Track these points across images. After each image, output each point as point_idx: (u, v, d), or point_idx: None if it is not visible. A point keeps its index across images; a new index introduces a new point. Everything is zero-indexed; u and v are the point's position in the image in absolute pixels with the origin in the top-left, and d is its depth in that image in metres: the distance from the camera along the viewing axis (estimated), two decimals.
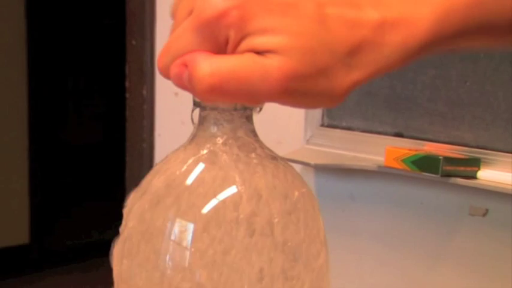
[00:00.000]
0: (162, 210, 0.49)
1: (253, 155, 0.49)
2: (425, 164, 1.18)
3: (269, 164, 0.50)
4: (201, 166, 0.49)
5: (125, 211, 0.51)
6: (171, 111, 1.75)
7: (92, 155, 4.41)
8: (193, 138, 0.50)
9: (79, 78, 4.29)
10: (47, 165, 4.08)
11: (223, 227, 0.47)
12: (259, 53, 0.42)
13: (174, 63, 0.44)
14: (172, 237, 0.47)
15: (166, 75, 0.45)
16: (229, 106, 0.48)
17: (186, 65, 0.43)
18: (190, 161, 0.49)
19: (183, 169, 0.49)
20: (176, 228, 0.47)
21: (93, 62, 4.29)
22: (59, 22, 4.10)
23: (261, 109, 0.50)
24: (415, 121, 1.29)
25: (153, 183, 0.50)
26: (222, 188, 0.48)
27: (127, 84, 1.84)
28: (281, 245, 0.48)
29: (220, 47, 0.43)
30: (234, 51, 0.43)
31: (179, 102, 1.72)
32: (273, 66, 0.41)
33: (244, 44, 0.42)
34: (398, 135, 1.32)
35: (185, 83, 0.43)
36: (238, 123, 0.49)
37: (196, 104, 0.49)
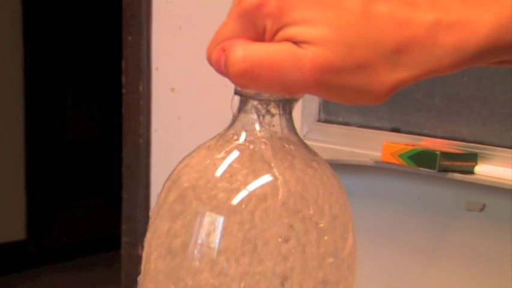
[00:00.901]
0: (193, 200, 0.48)
1: (291, 147, 0.49)
2: (422, 159, 1.18)
3: (305, 158, 0.49)
4: (235, 154, 0.48)
5: (158, 197, 0.51)
6: (168, 107, 1.75)
7: (88, 151, 4.40)
8: (231, 126, 0.50)
9: (75, 74, 4.28)
10: (43, 160, 4.08)
11: (261, 218, 0.47)
12: (296, 44, 0.42)
13: (215, 48, 0.45)
14: (202, 227, 0.47)
15: (210, 62, 0.45)
16: (269, 96, 0.48)
17: (224, 51, 0.44)
18: (225, 150, 0.49)
19: (219, 157, 0.49)
20: (206, 218, 0.47)
21: (89, 57, 4.29)
22: (54, 17, 4.09)
23: (297, 101, 0.50)
24: (412, 116, 1.29)
25: (185, 172, 0.50)
26: (256, 179, 0.47)
27: (123, 80, 1.84)
28: (314, 238, 0.48)
29: (260, 36, 0.43)
30: (271, 40, 0.43)
31: (176, 97, 1.71)
32: (307, 56, 0.41)
33: (281, 34, 0.42)
34: (395, 130, 1.32)
35: (222, 68, 0.44)
36: (276, 115, 0.49)
37: (236, 93, 0.49)
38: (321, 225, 0.48)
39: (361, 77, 0.42)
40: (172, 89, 1.72)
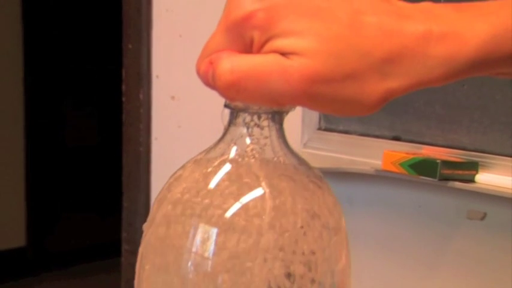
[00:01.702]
0: (186, 214, 0.48)
1: (281, 159, 0.49)
2: (423, 167, 1.18)
3: (296, 170, 0.49)
4: (227, 168, 0.48)
5: (151, 211, 0.51)
6: (168, 115, 1.75)
7: (88, 159, 4.40)
8: (221, 139, 0.50)
9: (75, 82, 4.28)
10: (44, 167, 4.08)
11: (249, 232, 0.46)
12: (284, 55, 0.42)
13: (203, 61, 0.45)
14: (195, 241, 0.47)
15: (199, 75, 0.45)
16: (258, 109, 0.48)
17: (212, 63, 0.44)
18: (215, 164, 0.49)
19: (209, 170, 0.49)
20: (199, 232, 0.47)
21: (89, 65, 4.29)
22: (55, 25, 4.10)
23: (287, 113, 0.49)
24: (412, 125, 1.29)
25: (176, 184, 0.50)
26: (247, 192, 0.47)
27: (123, 87, 1.84)
28: (304, 250, 0.47)
29: (248, 48, 0.43)
30: (258, 52, 0.43)
31: (176, 106, 1.71)
32: (294, 67, 0.41)
33: (269, 46, 0.42)
34: (396, 138, 1.31)
35: (210, 81, 0.44)
36: (268, 127, 0.49)
37: (226, 106, 0.49)
38: (310, 236, 0.48)
39: (350, 88, 0.42)
40: (173, 97, 1.72)
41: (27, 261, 3.91)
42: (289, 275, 0.47)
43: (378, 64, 0.42)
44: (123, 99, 1.84)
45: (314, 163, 1.41)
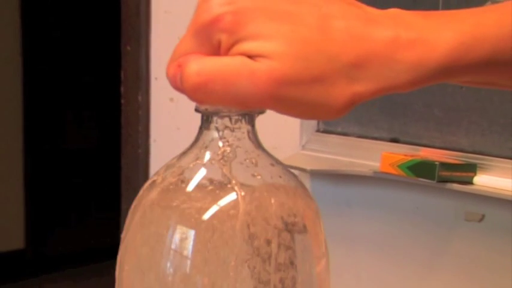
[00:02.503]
0: (162, 217, 0.48)
1: (254, 161, 0.49)
2: (421, 169, 1.18)
3: (270, 171, 0.49)
4: (202, 172, 0.48)
5: (127, 218, 0.51)
6: (167, 117, 1.75)
7: (87, 161, 4.39)
8: (194, 143, 0.50)
9: (74, 83, 4.28)
10: (42, 170, 4.08)
11: (224, 234, 0.47)
12: (251, 58, 0.42)
13: (172, 64, 0.45)
14: (173, 245, 0.47)
15: (168, 78, 0.45)
16: (228, 111, 0.48)
17: (180, 66, 0.43)
18: (190, 167, 0.49)
19: (184, 175, 0.49)
20: (177, 235, 0.47)
21: (88, 67, 4.29)
22: (53, 27, 4.10)
23: (258, 114, 0.49)
24: (411, 126, 1.29)
25: (152, 190, 0.50)
26: (222, 195, 0.47)
27: (122, 90, 1.84)
28: (280, 253, 0.47)
29: (216, 52, 0.43)
30: (226, 55, 0.43)
31: (174, 108, 1.71)
32: (262, 70, 0.41)
33: (236, 48, 0.42)
34: (394, 140, 1.32)
35: (178, 84, 0.43)
36: (240, 129, 0.49)
37: (196, 109, 0.49)
38: (284, 238, 0.48)
39: (317, 91, 0.42)
40: (171, 99, 1.72)
41: (26, 263, 3.91)
42: (264, 280, 0.47)
43: (345, 68, 0.42)
44: (122, 101, 1.84)
45: (312, 165, 1.41)
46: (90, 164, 4.41)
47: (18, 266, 3.91)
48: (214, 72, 0.42)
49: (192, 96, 0.43)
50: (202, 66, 0.42)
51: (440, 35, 0.43)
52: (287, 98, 0.42)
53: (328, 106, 0.43)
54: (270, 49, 0.41)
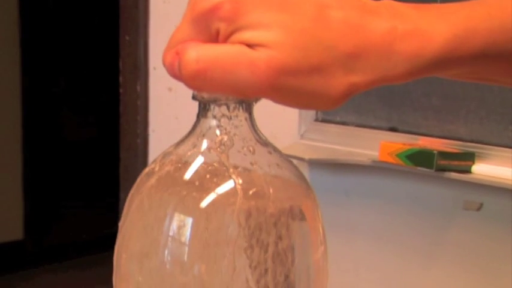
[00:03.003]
0: (160, 205, 0.49)
1: (251, 149, 0.49)
2: (419, 158, 1.18)
3: (268, 159, 0.49)
4: (199, 160, 0.49)
5: (125, 206, 0.51)
6: (165, 107, 1.75)
7: (86, 151, 4.39)
8: (191, 132, 0.50)
9: (73, 74, 4.28)
10: (41, 160, 4.07)
11: (221, 222, 0.47)
12: (250, 47, 0.42)
13: (169, 52, 0.44)
14: (171, 232, 0.47)
15: (165, 66, 0.45)
16: (226, 99, 0.48)
17: (178, 54, 0.43)
18: (188, 155, 0.49)
19: (181, 163, 0.49)
20: (174, 223, 0.47)
21: (87, 57, 4.28)
22: (52, 17, 4.09)
23: (256, 102, 0.49)
24: (409, 116, 1.29)
25: (150, 178, 0.50)
26: (220, 183, 0.47)
27: (121, 79, 1.84)
28: (277, 240, 0.48)
29: (213, 40, 0.43)
30: (224, 44, 0.43)
31: (173, 97, 1.71)
32: (261, 59, 0.41)
33: (235, 37, 0.42)
34: (393, 129, 1.32)
35: (176, 72, 0.43)
36: (237, 117, 0.49)
37: (194, 97, 0.49)
38: (282, 226, 0.48)
39: (316, 80, 0.42)
40: (170, 89, 1.72)
41: (26, 254, 3.92)
42: (262, 267, 0.47)
43: (343, 58, 0.42)
44: (121, 91, 1.84)
45: (311, 154, 1.41)
46: (88, 154, 4.41)
47: (17, 257, 3.92)
48: (214, 59, 0.42)
49: (190, 84, 0.43)
50: (201, 53, 0.42)
51: (435, 27, 0.44)
52: (286, 88, 0.42)
53: (326, 96, 0.43)
54: (269, 38, 0.41)
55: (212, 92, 0.47)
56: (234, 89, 0.42)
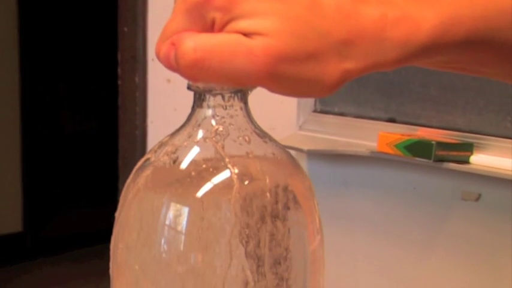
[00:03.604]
0: (156, 195, 0.49)
1: (247, 138, 0.49)
2: (418, 149, 1.19)
3: (263, 148, 0.50)
4: (195, 150, 0.49)
5: (121, 197, 0.51)
6: (164, 98, 1.75)
7: (84, 143, 4.40)
8: (187, 122, 0.50)
9: (71, 66, 4.28)
10: (40, 153, 4.08)
11: (217, 211, 0.47)
12: (246, 36, 0.42)
13: (164, 43, 0.44)
14: (167, 221, 0.47)
15: (159, 58, 0.45)
16: (221, 89, 0.48)
17: (174, 44, 0.43)
18: (184, 145, 0.49)
19: (177, 153, 0.49)
20: (170, 213, 0.47)
21: (85, 49, 4.28)
22: (50, 9, 4.09)
23: (251, 91, 0.49)
24: (407, 106, 1.30)
25: (146, 168, 0.50)
26: (216, 172, 0.48)
27: (119, 71, 1.84)
28: (274, 229, 0.48)
29: (208, 30, 0.43)
30: (220, 32, 0.43)
31: (172, 89, 1.71)
32: (258, 47, 0.41)
33: (230, 26, 0.42)
34: (391, 120, 1.32)
35: (172, 62, 0.43)
36: (232, 107, 0.49)
37: (189, 87, 0.49)
38: (277, 215, 0.48)
39: (312, 68, 0.42)
40: (169, 80, 1.72)
41: (24, 247, 3.92)
42: (258, 256, 0.47)
43: (336, 45, 0.42)
44: (119, 82, 1.84)
45: (309, 145, 1.41)
46: (87, 146, 4.41)
47: (17, 249, 3.92)
48: (211, 48, 0.42)
49: (187, 74, 0.43)
50: (198, 43, 0.42)
51: (423, 14, 0.44)
52: (283, 75, 0.42)
53: (322, 83, 0.43)
54: (265, 26, 0.41)
55: (209, 82, 0.47)
56: (232, 77, 0.42)
